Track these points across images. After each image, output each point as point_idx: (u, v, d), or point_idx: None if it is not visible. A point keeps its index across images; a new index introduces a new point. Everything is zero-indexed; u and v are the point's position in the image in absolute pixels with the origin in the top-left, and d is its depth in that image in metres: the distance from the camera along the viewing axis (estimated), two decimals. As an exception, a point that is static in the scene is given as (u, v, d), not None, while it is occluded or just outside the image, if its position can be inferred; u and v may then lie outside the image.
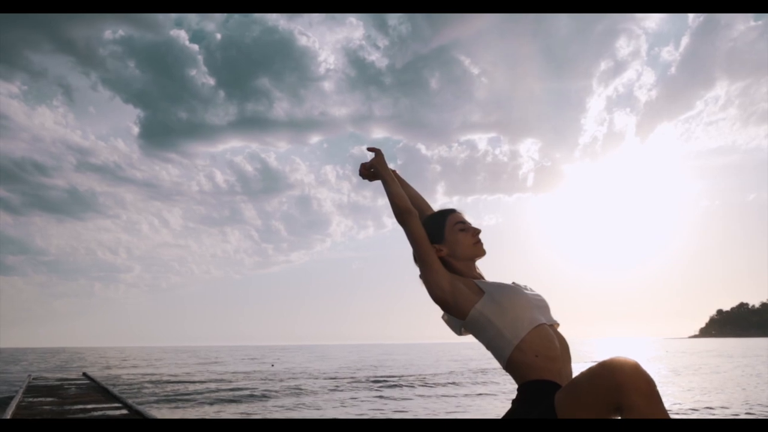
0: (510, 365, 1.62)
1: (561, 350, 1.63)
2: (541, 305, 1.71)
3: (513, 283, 1.75)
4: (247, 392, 14.09)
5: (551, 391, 1.51)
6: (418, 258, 1.77)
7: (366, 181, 1.97)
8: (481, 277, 1.83)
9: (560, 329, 1.73)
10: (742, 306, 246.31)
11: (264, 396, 12.95)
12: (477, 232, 1.83)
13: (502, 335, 1.62)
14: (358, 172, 1.97)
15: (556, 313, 1.75)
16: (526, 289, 1.73)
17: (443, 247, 1.80)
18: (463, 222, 1.85)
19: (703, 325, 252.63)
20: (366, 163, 1.94)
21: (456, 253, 1.80)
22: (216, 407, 11.13)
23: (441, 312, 1.83)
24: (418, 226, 1.78)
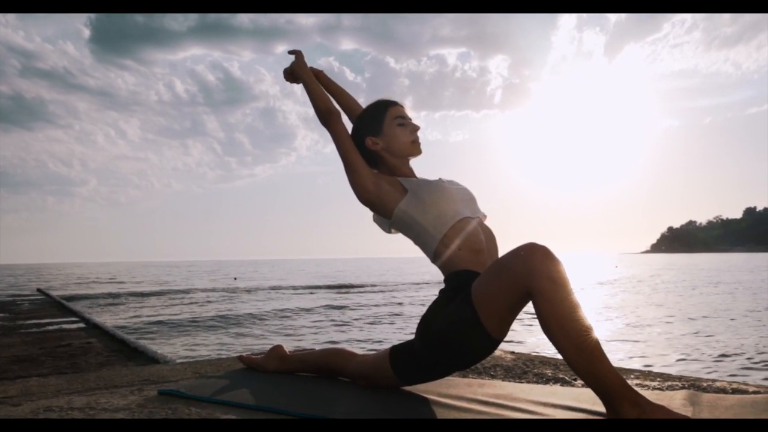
0: (436, 259, 1.64)
1: (487, 243, 1.65)
2: (467, 198, 1.72)
3: (439, 179, 1.75)
4: (211, 312, 13.91)
5: (472, 280, 1.51)
6: (342, 160, 1.72)
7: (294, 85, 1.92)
8: (412, 174, 1.80)
9: (488, 222, 1.73)
10: (691, 223, 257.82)
11: (222, 318, 12.68)
12: (416, 129, 1.78)
13: (426, 231, 1.63)
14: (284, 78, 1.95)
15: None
16: (452, 184, 1.74)
17: (379, 140, 1.75)
18: (404, 117, 1.78)
19: (654, 241, 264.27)
20: (287, 67, 1.90)
21: (392, 148, 1.75)
22: (176, 331, 10.89)
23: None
24: (342, 127, 1.74)
